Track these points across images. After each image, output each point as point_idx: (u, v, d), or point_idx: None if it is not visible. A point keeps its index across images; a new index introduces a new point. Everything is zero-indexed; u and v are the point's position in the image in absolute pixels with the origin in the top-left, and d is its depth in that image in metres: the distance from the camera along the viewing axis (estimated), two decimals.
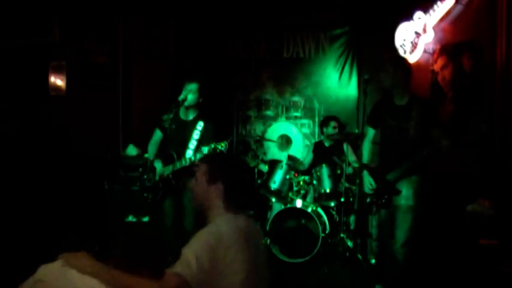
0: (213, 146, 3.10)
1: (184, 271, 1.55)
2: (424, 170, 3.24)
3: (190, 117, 3.50)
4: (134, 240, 1.74)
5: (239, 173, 1.88)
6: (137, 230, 1.81)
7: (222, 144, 3.10)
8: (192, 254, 1.58)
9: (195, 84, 3.42)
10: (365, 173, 3.31)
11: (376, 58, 5.51)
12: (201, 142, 3.32)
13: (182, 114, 3.53)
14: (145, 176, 3.53)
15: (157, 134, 3.61)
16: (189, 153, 3.27)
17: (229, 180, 1.81)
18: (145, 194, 3.53)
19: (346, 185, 4.30)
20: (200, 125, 3.38)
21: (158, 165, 3.47)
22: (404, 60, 3.46)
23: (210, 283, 1.59)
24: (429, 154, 3.06)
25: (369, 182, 3.31)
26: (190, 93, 3.41)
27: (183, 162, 3.28)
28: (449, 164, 4.11)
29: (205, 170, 1.84)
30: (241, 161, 2.05)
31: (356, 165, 4.36)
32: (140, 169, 3.86)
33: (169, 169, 3.36)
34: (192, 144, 3.32)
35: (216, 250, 1.60)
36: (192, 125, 3.43)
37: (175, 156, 3.36)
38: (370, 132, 3.45)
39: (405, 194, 3.18)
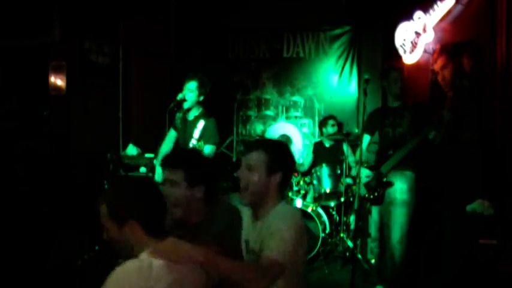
0: (192, 145, 3.12)
1: (284, 259, 1.61)
2: (418, 166, 3.31)
3: (192, 116, 3.52)
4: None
5: (293, 162, 1.91)
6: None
7: (199, 145, 3.11)
8: (288, 240, 1.65)
9: (193, 82, 3.43)
10: (362, 168, 3.39)
11: (376, 58, 5.55)
12: (201, 140, 3.34)
13: (187, 114, 3.55)
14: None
15: (171, 133, 3.64)
16: None
17: (287, 170, 1.82)
18: None
19: (349, 181, 4.31)
20: (201, 124, 3.39)
21: (158, 169, 3.50)
22: (401, 68, 3.56)
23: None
24: (417, 143, 3.16)
25: (365, 174, 3.38)
26: (189, 92, 3.42)
27: None
28: (449, 164, 4.11)
29: (264, 160, 1.77)
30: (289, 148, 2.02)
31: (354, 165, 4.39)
32: (144, 169, 3.88)
33: None
34: (192, 143, 3.33)
35: (297, 239, 1.70)
36: (192, 124, 3.44)
37: None
38: (366, 139, 3.55)
39: (399, 188, 3.26)
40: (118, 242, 1.49)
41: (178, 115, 3.44)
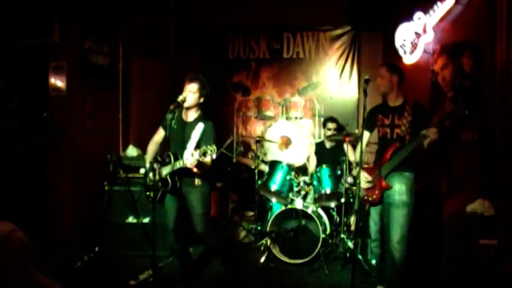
0: (203, 150, 3.08)
1: None
2: (418, 167, 3.31)
3: (191, 118, 3.49)
4: None
5: None
6: None
7: (212, 149, 3.07)
8: None
9: (194, 84, 3.41)
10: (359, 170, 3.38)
11: (376, 58, 5.56)
12: (199, 143, 3.31)
13: (184, 115, 3.52)
14: (148, 176, 3.55)
15: (160, 133, 3.62)
16: (187, 154, 3.25)
17: None
18: (147, 193, 3.56)
19: (350, 180, 4.32)
20: (200, 126, 3.37)
21: (151, 165, 3.49)
22: (398, 66, 3.51)
23: None
24: (416, 145, 3.14)
25: (364, 176, 3.37)
26: (190, 94, 3.41)
27: (179, 164, 3.28)
28: (449, 164, 4.11)
29: None
30: None
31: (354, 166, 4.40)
32: (142, 169, 3.88)
33: (167, 169, 3.37)
34: (191, 145, 3.30)
35: None
36: (192, 125, 3.42)
37: (172, 157, 3.36)
38: (366, 136, 3.52)
39: (398, 189, 3.26)
40: None
41: (170, 115, 3.39)
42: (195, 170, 3.30)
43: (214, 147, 3.08)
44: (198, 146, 3.27)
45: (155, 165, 3.41)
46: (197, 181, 3.44)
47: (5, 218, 1.82)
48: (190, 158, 3.11)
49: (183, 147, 3.32)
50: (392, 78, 3.35)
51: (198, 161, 3.08)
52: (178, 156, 3.34)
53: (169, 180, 3.37)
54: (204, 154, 3.06)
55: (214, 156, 3.12)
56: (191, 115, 3.50)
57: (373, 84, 3.36)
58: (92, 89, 4.72)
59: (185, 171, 3.34)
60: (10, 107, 4.39)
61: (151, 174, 3.45)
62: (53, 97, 4.44)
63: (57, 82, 4.42)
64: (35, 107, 4.46)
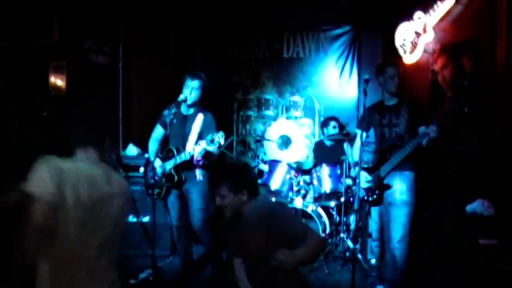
0: (210, 137, 3.11)
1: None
2: (418, 166, 3.30)
3: (191, 111, 3.51)
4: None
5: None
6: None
7: (219, 135, 3.11)
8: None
9: (197, 81, 3.43)
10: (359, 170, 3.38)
11: (376, 58, 5.55)
12: (201, 134, 3.34)
13: (183, 109, 3.54)
14: (149, 174, 3.55)
15: (158, 130, 3.62)
16: (190, 146, 3.27)
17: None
18: (149, 191, 3.56)
19: (349, 182, 4.32)
20: (199, 117, 3.39)
21: (157, 162, 3.49)
22: (397, 64, 3.50)
23: None
24: (416, 143, 3.14)
25: (364, 177, 3.37)
26: (193, 91, 3.42)
27: (183, 156, 3.29)
28: (449, 164, 4.11)
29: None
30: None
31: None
32: (142, 168, 3.88)
33: (170, 164, 3.38)
34: (193, 137, 3.32)
35: None
36: (192, 118, 3.44)
37: (174, 151, 3.38)
38: (363, 135, 3.50)
39: (399, 189, 3.25)
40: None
41: (167, 112, 3.40)
42: (199, 161, 3.33)
43: (221, 133, 3.11)
44: (200, 137, 3.30)
45: (157, 162, 3.43)
46: (198, 176, 3.45)
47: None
48: (197, 147, 3.14)
49: (185, 140, 3.34)
50: (400, 78, 3.36)
51: (206, 150, 3.11)
52: (180, 149, 3.36)
53: (174, 173, 3.38)
54: (212, 141, 3.08)
55: (222, 142, 3.14)
56: (191, 109, 3.52)
57: (374, 82, 3.36)
58: (92, 88, 4.72)
59: (187, 165, 3.35)
60: (9, 107, 4.40)
61: (152, 172, 3.46)
62: (53, 97, 4.44)
63: (57, 82, 4.43)
64: (35, 107, 4.46)
